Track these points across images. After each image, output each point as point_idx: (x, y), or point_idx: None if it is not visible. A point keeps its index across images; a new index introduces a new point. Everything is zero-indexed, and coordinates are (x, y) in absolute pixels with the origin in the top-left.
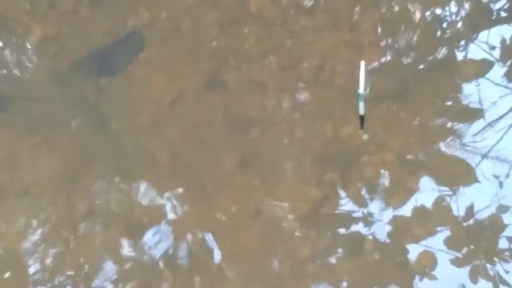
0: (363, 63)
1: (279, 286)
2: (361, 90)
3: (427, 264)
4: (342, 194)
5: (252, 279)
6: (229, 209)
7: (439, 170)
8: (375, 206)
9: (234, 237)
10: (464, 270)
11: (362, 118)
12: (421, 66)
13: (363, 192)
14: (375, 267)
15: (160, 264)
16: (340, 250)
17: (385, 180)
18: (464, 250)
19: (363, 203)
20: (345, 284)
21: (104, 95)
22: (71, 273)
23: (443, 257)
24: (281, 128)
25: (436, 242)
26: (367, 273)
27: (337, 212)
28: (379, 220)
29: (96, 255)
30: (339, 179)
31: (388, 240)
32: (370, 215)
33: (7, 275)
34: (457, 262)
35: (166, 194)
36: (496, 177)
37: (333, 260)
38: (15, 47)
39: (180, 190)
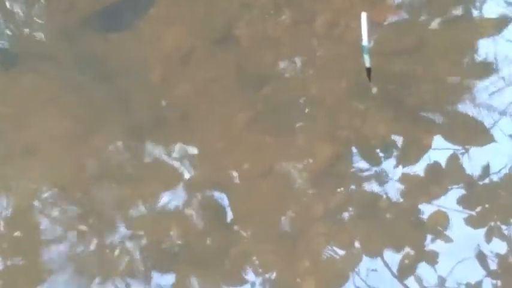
0: (364, 15)
1: (291, 245)
2: (364, 42)
3: (441, 224)
4: (355, 151)
5: (264, 239)
6: (241, 167)
7: (453, 128)
8: (388, 164)
9: (246, 196)
10: (479, 231)
11: (369, 71)
12: (437, 22)
13: (377, 149)
14: (388, 227)
15: (172, 222)
16: (352, 209)
17: (399, 138)
18: (479, 209)
19: (376, 161)
20: (357, 243)
21: (113, 52)
22: (83, 228)
23: (458, 217)
24: (294, 85)
25: (450, 202)
26: (380, 233)
27: (350, 170)
28: (392, 178)
29: (107, 213)
30: (352, 135)
31: (401, 199)
32: (384, 173)
33: (17, 233)
34: (471, 222)
35: (177, 152)
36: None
37: (345, 219)
38: (24, 4)
39: (191, 148)
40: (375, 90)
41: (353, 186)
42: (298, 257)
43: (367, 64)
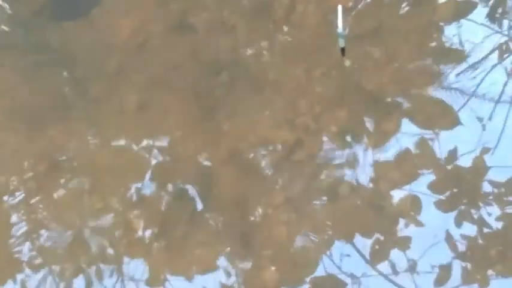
0: (340, 7)
1: (253, 234)
2: (339, 30)
3: (412, 209)
4: (316, 138)
5: (227, 227)
6: (200, 155)
7: (418, 112)
8: (351, 150)
9: (206, 185)
10: (449, 216)
11: (343, 49)
12: (399, 6)
13: (338, 135)
14: (355, 213)
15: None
16: (315, 196)
17: (361, 123)
18: (448, 193)
19: (341, 146)
20: (322, 230)
21: (68, 41)
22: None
23: (428, 202)
24: (252, 71)
25: (420, 186)
26: (347, 220)
27: (311, 156)
28: (357, 164)
29: (69, 206)
30: (312, 122)
31: (367, 185)
32: (347, 158)
33: None
34: (441, 206)
35: (134, 142)
36: (480, 119)
37: (307, 207)
38: None
39: (148, 138)
40: (348, 63)
41: (315, 173)
42: (262, 245)
43: (342, 45)
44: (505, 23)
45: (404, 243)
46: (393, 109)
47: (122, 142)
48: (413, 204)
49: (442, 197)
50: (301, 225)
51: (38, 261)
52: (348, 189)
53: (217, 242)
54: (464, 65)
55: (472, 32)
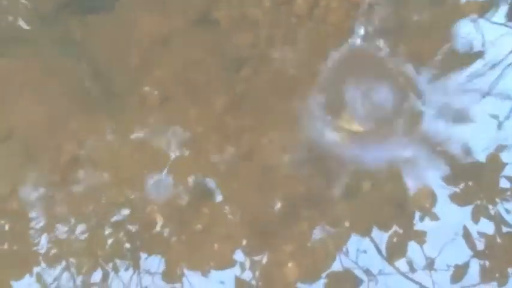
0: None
1: (275, 229)
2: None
3: (427, 201)
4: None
5: (248, 223)
6: (221, 150)
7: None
8: (370, 144)
9: (227, 180)
10: (466, 211)
11: None
12: (421, 3)
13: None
14: (374, 207)
15: (156, 208)
16: (336, 190)
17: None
18: (462, 186)
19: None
20: (342, 225)
21: (91, 35)
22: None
23: (443, 195)
24: (274, 66)
25: (435, 180)
26: (365, 214)
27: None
28: (376, 159)
29: (88, 200)
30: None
31: (385, 178)
32: (366, 152)
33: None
34: (457, 199)
35: (157, 136)
36: (495, 117)
37: (329, 201)
38: None
39: (171, 132)
40: None
41: (336, 167)
42: (283, 241)
43: None
44: None
45: (420, 237)
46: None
47: (141, 136)
48: (428, 196)
49: (457, 189)
50: (320, 220)
51: (55, 254)
52: (369, 185)
53: (235, 235)
54: (480, 63)
55: (489, 31)
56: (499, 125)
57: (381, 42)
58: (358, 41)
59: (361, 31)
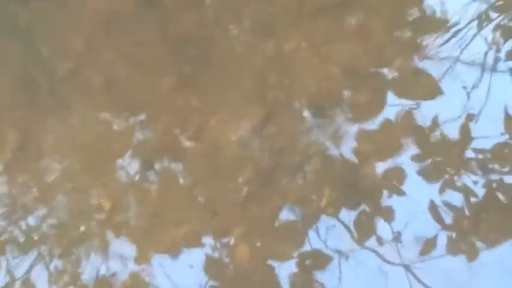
0: None
1: (225, 211)
2: None
3: (396, 179)
4: (286, 111)
5: (196, 205)
6: (169, 132)
7: (398, 83)
8: (321, 122)
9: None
10: (433, 186)
11: None
12: None
13: (306, 108)
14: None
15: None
16: (285, 170)
17: (330, 95)
18: (430, 161)
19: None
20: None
21: (36, 19)
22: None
23: (411, 172)
24: (220, 46)
25: (403, 157)
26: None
27: (282, 129)
28: (338, 136)
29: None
30: (282, 95)
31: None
32: (317, 131)
33: None
34: (425, 174)
35: (102, 120)
36: (464, 88)
37: (279, 180)
38: None
39: (117, 115)
40: None
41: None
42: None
43: None
44: None
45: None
46: (368, 80)
47: (92, 120)
48: (397, 173)
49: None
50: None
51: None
52: (320, 162)
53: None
54: (446, 34)
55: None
56: (468, 96)
57: None
58: None
59: None
